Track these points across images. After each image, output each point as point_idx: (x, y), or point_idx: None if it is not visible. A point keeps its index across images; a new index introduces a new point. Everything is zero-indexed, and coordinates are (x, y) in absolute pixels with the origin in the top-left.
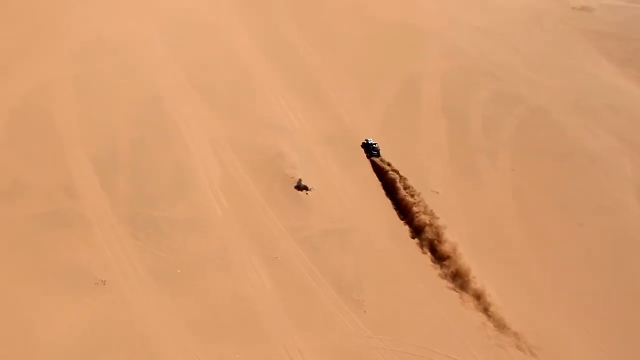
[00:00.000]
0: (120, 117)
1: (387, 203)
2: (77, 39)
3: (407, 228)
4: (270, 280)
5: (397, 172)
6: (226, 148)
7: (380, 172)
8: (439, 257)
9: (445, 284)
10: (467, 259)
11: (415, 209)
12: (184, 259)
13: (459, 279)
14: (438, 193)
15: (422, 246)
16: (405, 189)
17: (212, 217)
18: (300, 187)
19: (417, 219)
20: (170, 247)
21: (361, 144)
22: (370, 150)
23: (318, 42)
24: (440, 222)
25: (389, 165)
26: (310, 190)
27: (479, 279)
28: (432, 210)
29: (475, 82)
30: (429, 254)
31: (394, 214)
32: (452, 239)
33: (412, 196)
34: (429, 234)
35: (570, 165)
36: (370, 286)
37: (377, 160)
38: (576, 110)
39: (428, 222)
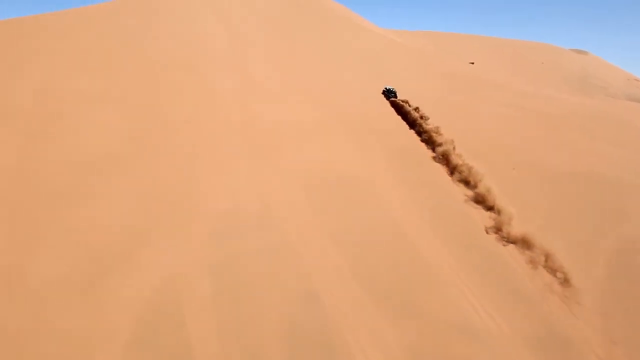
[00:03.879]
0: (266, 323)
1: None
2: (212, 214)
3: None
4: None
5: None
6: None
7: (399, 109)
8: None
9: None
10: None
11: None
12: None
13: None
14: None
15: None
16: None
17: None
18: None
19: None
20: None
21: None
22: (389, 94)
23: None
24: None
25: (406, 102)
26: None
27: None
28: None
29: None
30: None
31: None
32: None
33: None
34: None
35: None
36: None
37: (395, 100)
38: None
39: None
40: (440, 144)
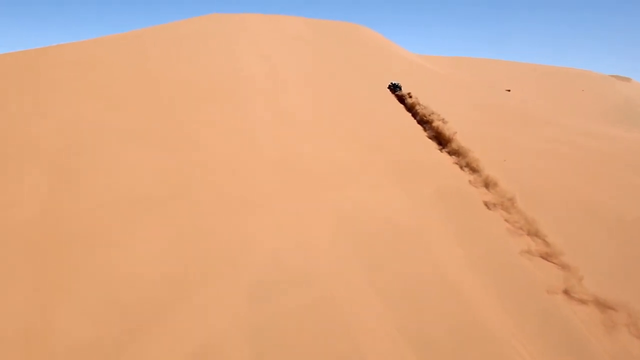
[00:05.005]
0: None
1: None
2: (251, 266)
3: None
4: None
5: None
6: None
7: (403, 101)
8: None
9: None
10: None
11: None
12: None
13: None
14: None
15: None
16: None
17: None
18: None
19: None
20: None
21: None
22: (394, 88)
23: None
24: None
25: (410, 95)
26: None
27: None
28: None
29: None
30: None
31: None
32: None
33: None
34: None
35: None
36: None
37: (399, 92)
38: None
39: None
40: (499, 197)
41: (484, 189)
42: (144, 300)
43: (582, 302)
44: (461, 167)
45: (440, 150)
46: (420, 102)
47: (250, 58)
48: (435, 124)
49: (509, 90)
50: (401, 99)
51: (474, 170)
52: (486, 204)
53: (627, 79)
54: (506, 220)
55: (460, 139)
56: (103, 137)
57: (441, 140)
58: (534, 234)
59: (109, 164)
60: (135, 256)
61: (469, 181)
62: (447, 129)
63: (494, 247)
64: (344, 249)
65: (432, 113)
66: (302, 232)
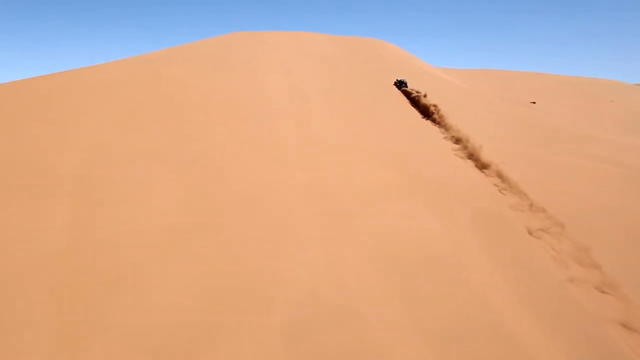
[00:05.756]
0: None
1: None
2: (284, 305)
3: None
4: None
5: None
6: None
7: (409, 95)
8: None
9: None
10: None
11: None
12: None
13: None
14: None
15: None
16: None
17: None
18: None
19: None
20: None
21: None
22: (400, 84)
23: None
24: None
25: (417, 91)
26: None
27: None
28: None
29: None
30: None
31: None
32: None
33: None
34: None
35: None
36: None
37: (406, 89)
38: None
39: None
40: (546, 223)
41: (528, 214)
42: (174, 345)
43: None
44: (500, 190)
45: (481, 170)
46: (452, 124)
47: (272, 76)
48: (471, 149)
49: (534, 103)
50: (408, 94)
51: (515, 193)
52: (530, 231)
53: None
54: (553, 248)
55: (498, 162)
56: (126, 162)
57: (477, 164)
58: (586, 263)
59: (132, 191)
60: (162, 294)
61: (510, 205)
62: (484, 156)
63: (541, 277)
64: (381, 281)
65: (469, 140)
66: (337, 263)
